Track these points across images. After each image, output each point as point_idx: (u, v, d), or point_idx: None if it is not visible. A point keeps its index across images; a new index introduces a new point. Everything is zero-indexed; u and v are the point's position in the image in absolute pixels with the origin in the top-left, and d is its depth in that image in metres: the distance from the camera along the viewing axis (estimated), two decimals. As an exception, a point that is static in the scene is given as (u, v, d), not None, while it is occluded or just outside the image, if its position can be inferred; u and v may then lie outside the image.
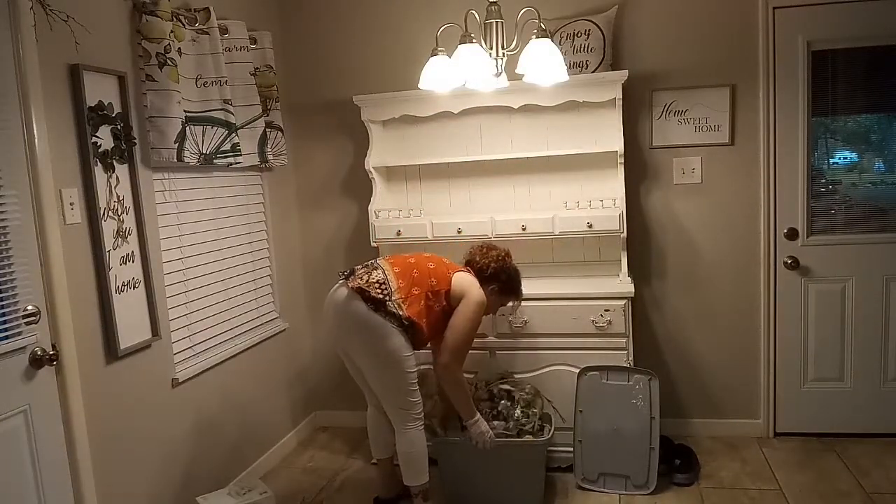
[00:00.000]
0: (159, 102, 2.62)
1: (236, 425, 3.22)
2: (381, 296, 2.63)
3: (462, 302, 2.73)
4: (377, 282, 2.67)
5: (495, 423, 2.89)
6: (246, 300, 3.36)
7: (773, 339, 3.43)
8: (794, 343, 3.42)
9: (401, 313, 2.62)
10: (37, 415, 2.14)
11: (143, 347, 2.62)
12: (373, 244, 3.52)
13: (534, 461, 2.88)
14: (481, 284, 2.82)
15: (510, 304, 3.01)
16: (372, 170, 3.49)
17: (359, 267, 2.81)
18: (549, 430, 2.92)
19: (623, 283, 3.23)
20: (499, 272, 2.86)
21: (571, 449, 3.10)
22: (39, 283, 2.17)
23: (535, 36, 2.62)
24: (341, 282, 2.77)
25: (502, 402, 2.96)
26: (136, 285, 2.59)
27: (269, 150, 3.33)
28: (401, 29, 3.58)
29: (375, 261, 2.83)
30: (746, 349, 3.47)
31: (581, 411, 3.06)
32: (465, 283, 2.78)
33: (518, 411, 2.91)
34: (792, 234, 3.35)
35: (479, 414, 2.82)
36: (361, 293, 2.64)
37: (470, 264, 2.91)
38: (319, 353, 3.94)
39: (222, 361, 3.11)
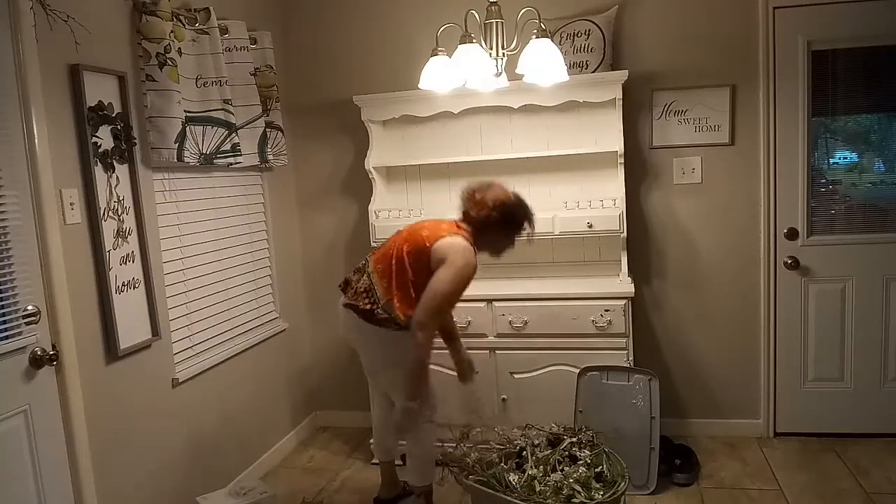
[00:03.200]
0: (159, 102, 2.61)
1: (236, 425, 3.22)
2: (368, 306, 2.59)
3: (442, 266, 2.50)
4: (364, 290, 2.63)
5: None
6: (246, 300, 3.35)
7: (773, 339, 3.43)
8: (794, 343, 3.42)
9: (394, 314, 2.56)
10: (37, 415, 2.14)
11: (143, 347, 2.61)
12: (373, 244, 3.51)
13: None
14: (483, 233, 2.62)
15: (526, 233, 2.71)
16: (372, 170, 3.49)
17: (352, 274, 2.78)
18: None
19: (623, 283, 3.23)
20: (497, 219, 2.60)
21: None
22: (39, 283, 2.17)
23: (535, 36, 2.62)
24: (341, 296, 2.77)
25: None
26: (136, 285, 2.59)
27: (269, 150, 3.33)
28: (401, 29, 3.58)
29: (367, 260, 2.75)
30: (746, 349, 3.47)
31: (581, 411, 3.06)
32: (444, 250, 2.52)
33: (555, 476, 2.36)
34: (792, 234, 3.35)
35: (418, 400, 2.58)
36: (353, 308, 2.63)
37: (466, 218, 2.66)
38: (319, 353, 3.94)
39: (222, 361, 3.11)
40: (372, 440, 3.44)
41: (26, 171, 2.13)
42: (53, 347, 2.19)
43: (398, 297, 2.56)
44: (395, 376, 2.65)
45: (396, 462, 3.04)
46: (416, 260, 2.56)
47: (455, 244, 2.54)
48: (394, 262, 2.60)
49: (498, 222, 2.62)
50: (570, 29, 3.30)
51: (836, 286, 3.36)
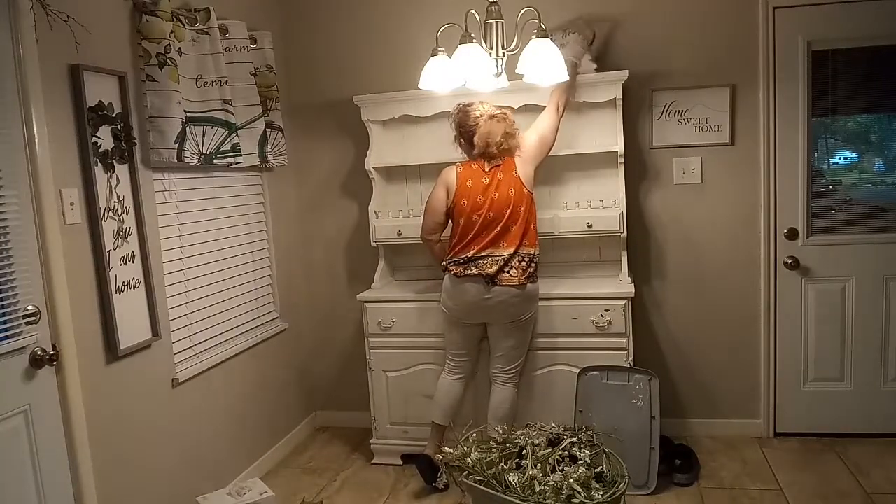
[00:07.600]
0: (159, 102, 2.62)
1: (236, 425, 3.22)
2: (524, 275, 2.92)
3: (532, 133, 3.07)
4: (512, 265, 2.92)
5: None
6: (246, 300, 3.36)
7: (773, 339, 3.43)
8: (794, 343, 3.42)
9: (535, 252, 2.99)
10: (37, 415, 2.14)
11: (143, 347, 2.62)
12: (373, 244, 3.52)
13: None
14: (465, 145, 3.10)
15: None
16: (372, 170, 3.49)
17: (482, 262, 2.94)
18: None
19: (623, 283, 3.23)
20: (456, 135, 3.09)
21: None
22: (39, 283, 2.17)
23: (535, 36, 2.63)
24: (486, 282, 2.92)
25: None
26: (137, 285, 2.59)
27: (269, 150, 3.33)
28: (401, 29, 3.58)
29: (484, 249, 2.94)
30: (746, 349, 3.47)
31: (581, 411, 3.06)
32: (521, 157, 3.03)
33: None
34: (792, 234, 3.35)
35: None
36: (519, 284, 2.92)
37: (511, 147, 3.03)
38: (319, 353, 3.94)
39: (222, 361, 3.11)
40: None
41: (26, 171, 2.13)
42: (53, 347, 2.19)
43: (531, 237, 2.98)
44: (524, 335, 3.07)
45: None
46: (512, 201, 2.94)
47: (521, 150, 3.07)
48: (507, 221, 2.92)
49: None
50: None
51: (836, 286, 3.36)
